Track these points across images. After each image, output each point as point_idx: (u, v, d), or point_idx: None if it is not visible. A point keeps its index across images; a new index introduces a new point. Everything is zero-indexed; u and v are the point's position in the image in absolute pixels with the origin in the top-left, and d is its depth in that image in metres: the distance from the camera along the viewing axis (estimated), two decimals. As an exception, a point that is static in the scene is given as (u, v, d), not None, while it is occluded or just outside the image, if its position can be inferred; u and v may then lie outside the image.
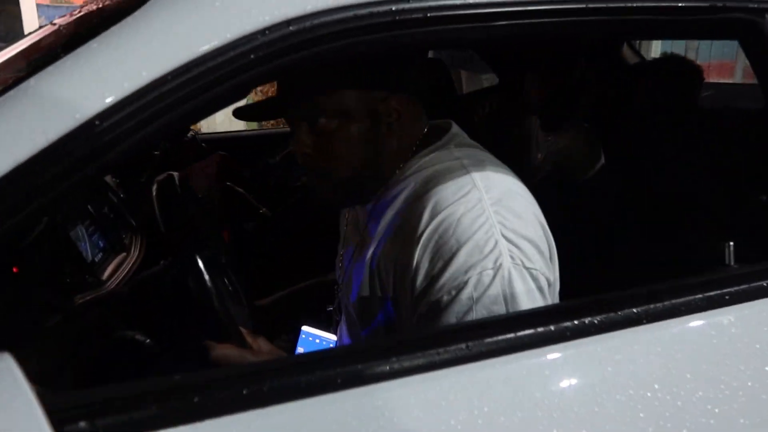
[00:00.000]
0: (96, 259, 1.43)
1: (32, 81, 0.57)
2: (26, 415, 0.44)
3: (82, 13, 0.82)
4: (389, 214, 0.88)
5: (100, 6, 0.75)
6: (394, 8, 0.69)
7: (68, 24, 0.82)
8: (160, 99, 0.58)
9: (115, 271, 1.46)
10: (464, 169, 0.85)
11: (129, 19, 0.62)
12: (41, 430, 0.44)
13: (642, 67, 2.03)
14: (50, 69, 0.58)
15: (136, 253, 1.59)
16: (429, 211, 0.81)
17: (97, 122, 0.55)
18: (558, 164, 1.66)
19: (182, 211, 0.95)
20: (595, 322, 0.66)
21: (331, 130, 0.86)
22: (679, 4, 0.86)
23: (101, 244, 1.50)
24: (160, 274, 0.93)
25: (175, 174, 1.10)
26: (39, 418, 0.44)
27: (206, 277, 0.85)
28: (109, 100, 0.55)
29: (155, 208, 0.95)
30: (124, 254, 1.56)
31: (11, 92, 0.57)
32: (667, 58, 1.89)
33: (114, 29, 0.61)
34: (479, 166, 0.87)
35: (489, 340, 0.63)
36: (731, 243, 0.81)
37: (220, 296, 0.87)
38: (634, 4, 0.82)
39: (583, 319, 0.67)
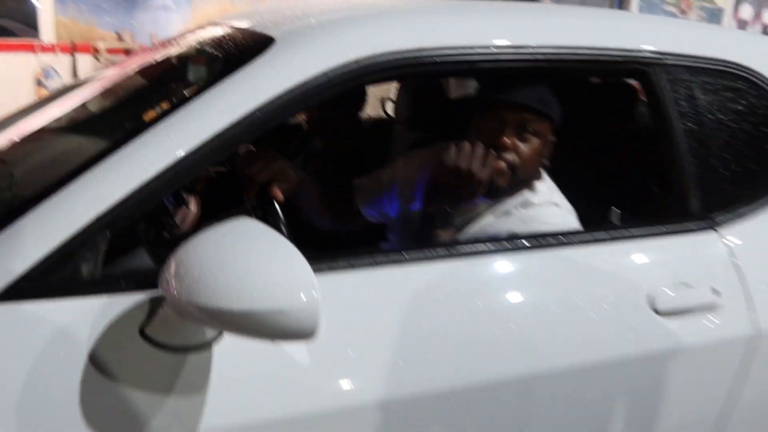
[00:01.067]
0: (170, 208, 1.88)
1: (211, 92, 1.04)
2: (292, 256, 0.82)
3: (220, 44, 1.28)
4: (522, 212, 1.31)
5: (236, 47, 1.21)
6: (417, 55, 1.16)
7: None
8: (288, 101, 1.05)
9: (181, 220, 1.92)
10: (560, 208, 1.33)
11: (268, 54, 1.09)
12: (306, 270, 0.82)
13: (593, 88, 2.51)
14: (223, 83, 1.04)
15: (193, 207, 2.04)
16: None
17: (257, 113, 1.02)
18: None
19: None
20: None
21: (529, 141, 1.28)
22: (596, 58, 1.33)
23: (170, 198, 1.95)
24: (246, 211, 1.36)
25: (251, 146, 1.55)
26: (302, 260, 0.83)
27: (281, 216, 1.31)
28: (263, 99, 1.02)
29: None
30: (184, 208, 2.02)
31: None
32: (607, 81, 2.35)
33: (258, 59, 1.08)
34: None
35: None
36: (614, 208, 1.29)
37: (288, 231, 1.33)
38: (565, 58, 1.29)
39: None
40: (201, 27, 1.59)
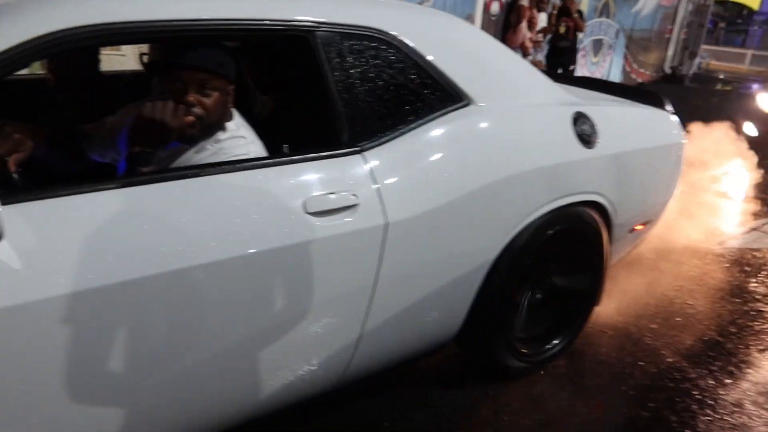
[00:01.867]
0: None
1: None
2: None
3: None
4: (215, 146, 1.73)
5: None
6: (111, 27, 1.49)
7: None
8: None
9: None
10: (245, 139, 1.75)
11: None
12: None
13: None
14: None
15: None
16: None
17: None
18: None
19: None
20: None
21: (210, 95, 1.67)
22: (266, 27, 1.75)
23: None
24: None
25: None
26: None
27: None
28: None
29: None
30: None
31: None
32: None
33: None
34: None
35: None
36: (286, 144, 1.76)
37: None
38: (235, 24, 1.69)
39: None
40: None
